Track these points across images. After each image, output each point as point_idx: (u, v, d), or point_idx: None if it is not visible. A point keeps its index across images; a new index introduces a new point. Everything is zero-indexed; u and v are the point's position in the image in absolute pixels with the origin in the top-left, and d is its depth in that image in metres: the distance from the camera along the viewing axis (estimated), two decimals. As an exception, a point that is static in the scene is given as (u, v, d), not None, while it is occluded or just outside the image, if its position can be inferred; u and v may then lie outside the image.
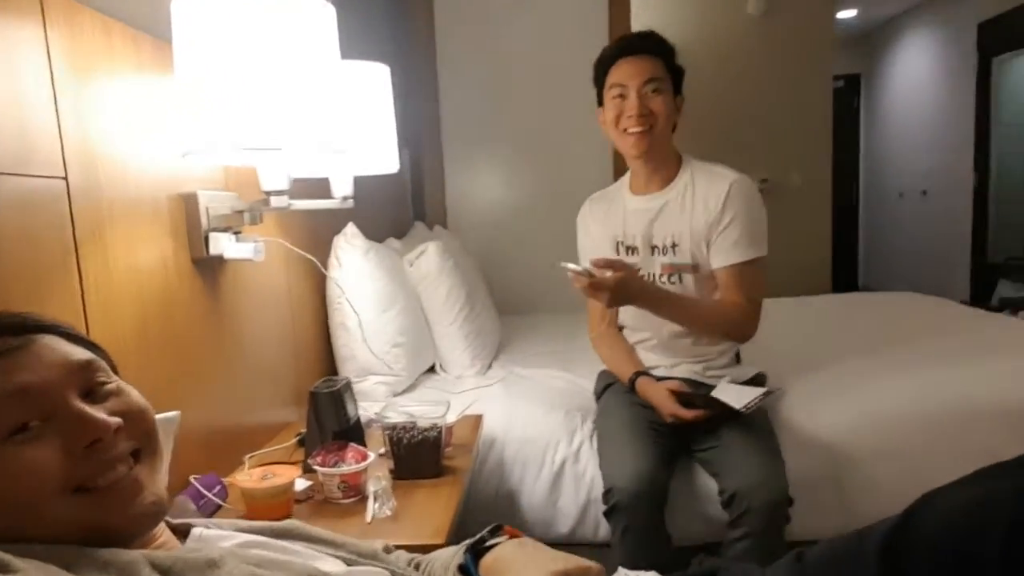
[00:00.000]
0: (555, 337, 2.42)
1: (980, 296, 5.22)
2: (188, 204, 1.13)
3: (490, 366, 2.11)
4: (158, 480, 0.60)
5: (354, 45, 2.57)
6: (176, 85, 0.94)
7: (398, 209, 2.92)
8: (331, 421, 1.23)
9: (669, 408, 1.45)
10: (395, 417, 1.27)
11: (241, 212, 1.14)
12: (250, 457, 1.33)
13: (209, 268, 1.21)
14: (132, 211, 1.02)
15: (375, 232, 2.33)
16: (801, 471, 1.47)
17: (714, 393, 1.47)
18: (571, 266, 1.39)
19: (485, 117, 3.17)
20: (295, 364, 1.64)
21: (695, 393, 1.44)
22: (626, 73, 1.52)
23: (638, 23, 4.92)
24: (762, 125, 5.17)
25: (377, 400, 1.78)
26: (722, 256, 1.54)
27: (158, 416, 0.79)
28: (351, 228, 1.78)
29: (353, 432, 1.27)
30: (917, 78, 6.21)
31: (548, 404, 1.73)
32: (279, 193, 1.05)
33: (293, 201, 1.35)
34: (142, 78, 1.05)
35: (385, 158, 1.43)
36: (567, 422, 1.66)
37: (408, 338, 1.84)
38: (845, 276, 7.07)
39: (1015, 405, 1.57)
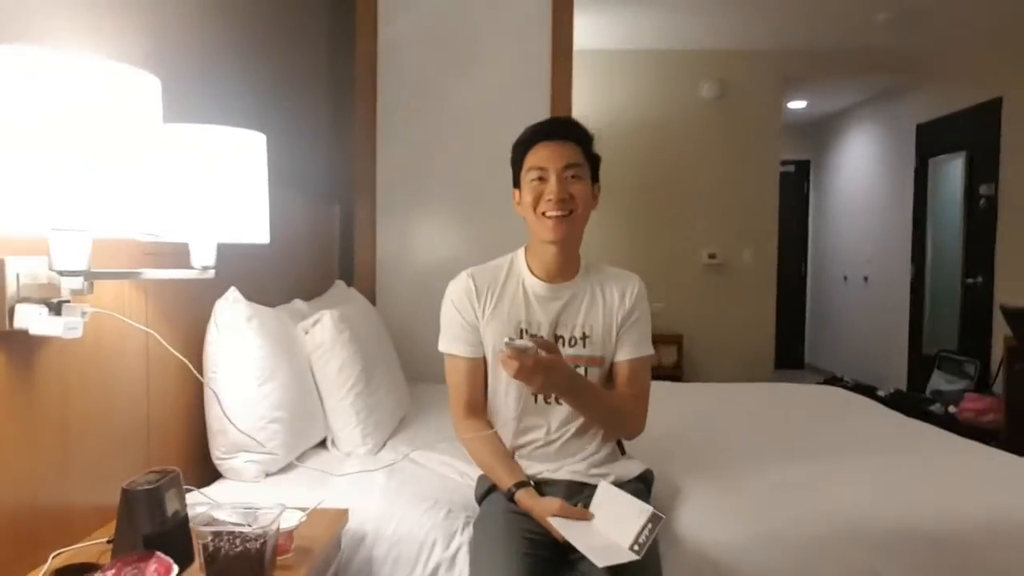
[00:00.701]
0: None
1: (917, 385, 5.26)
2: (-9, 270, 1.00)
3: (384, 445, 1.97)
4: None
5: (288, 99, 2.53)
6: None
7: (319, 265, 2.80)
8: (143, 523, 1.08)
9: (556, 536, 1.34)
10: (224, 516, 1.13)
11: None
12: (56, 555, 1.16)
13: (17, 342, 1.07)
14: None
15: (283, 290, 2.21)
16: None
17: (596, 496, 1.37)
18: (519, 343, 1.27)
19: (421, 179, 3.10)
20: (146, 439, 1.48)
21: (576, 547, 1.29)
22: (546, 157, 1.49)
23: (595, 102, 5.05)
24: (712, 203, 5.27)
25: (247, 480, 1.64)
26: (626, 350, 1.54)
27: None
28: (232, 292, 1.66)
29: (171, 536, 1.11)
30: (861, 169, 6.41)
31: (431, 499, 1.59)
32: (73, 274, 0.93)
33: (145, 271, 1.24)
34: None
35: (253, 228, 1.32)
36: (447, 523, 1.53)
37: (289, 413, 1.70)
38: (792, 354, 7.13)
39: (905, 527, 1.49)
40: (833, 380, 5.80)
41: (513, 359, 1.28)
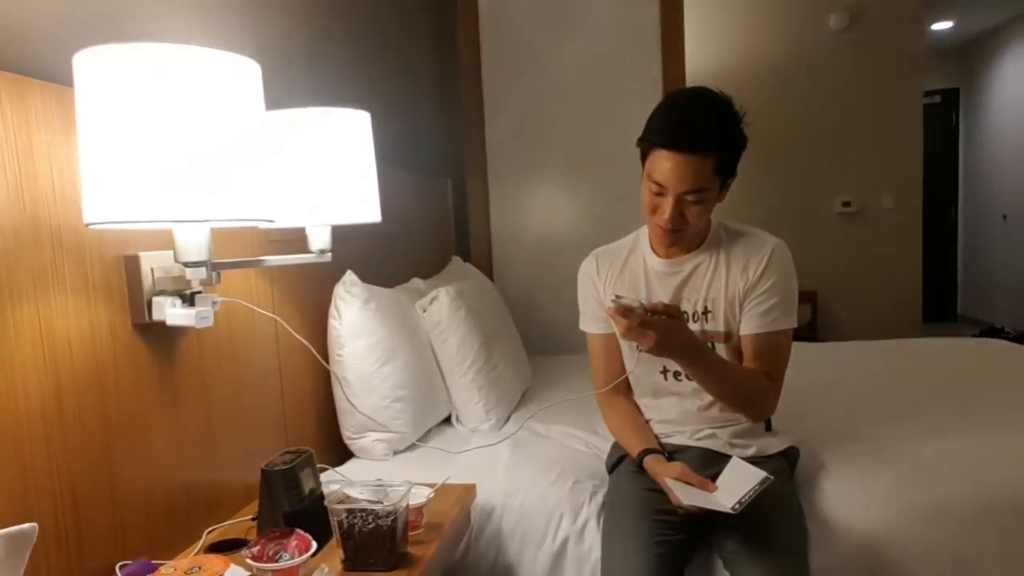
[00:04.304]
0: (590, 384, 2.25)
1: (1098, 334, 4.65)
2: (129, 266, 1.07)
3: (508, 419, 1.97)
4: None
5: (394, 77, 2.55)
6: (82, 147, 0.87)
7: (436, 242, 2.84)
8: (282, 502, 1.12)
9: (674, 500, 1.28)
10: (356, 494, 1.16)
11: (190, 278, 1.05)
12: (210, 531, 1.24)
13: (157, 332, 1.14)
14: (47, 276, 0.95)
15: (401, 269, 2.25)
16: (830, 571, 1.28)
17: (724, 472, 1.30)
18: (625, 300, 1.20)
19: (531, 148, 3.05)
20: (283, 421, 1.56)
21: (691, 492, 1.26)
22: (667, 174, 1.30)
23: (712, 47, 4.76)
24: (845, 145, 4.85)
25: (376, 459, 1.69)
26: (754, 323, 1.40)
27: (4, 531, 0.71)
28: (350, 276, 1.69)
29: (309, 512, 1.16)
30: (1022, 92, 5.65)
31: (558, 470, 1.58)
32: (197, 265, 0.96)
33: (266, 258, 1.28)
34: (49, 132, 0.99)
35: (365, 207, 1.33)
36: (573, 494, 1.50)
37: (412, 391, 1.73)
38: (943, 305, 6.52)
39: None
40: (992, 331, 5.25)
41: (620, 316, 1.20)
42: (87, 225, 0.90)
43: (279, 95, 1.62)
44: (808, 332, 4.69)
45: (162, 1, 1.26)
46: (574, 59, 2.97)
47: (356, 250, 1.87)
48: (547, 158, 3.04)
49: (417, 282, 2.20)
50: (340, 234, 1.56)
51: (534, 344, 2.74)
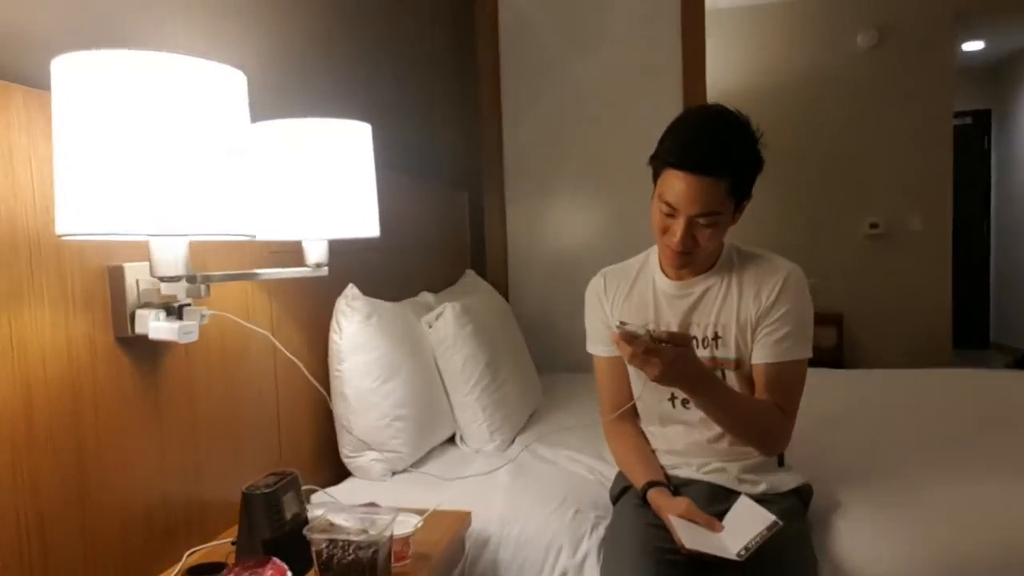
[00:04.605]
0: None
1: None
2: (112, 278, 1.03)
3: (513, 441, 1.91)
4: None
5: (413, 86, 2.52)
6: (56, 155, 0.84)
7: (450, 255, 2.79)
8: (263, 527, 1.07)
9: (677, 540, 1.20)
10: (342, 520, 1.11)
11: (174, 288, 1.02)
12: (190, 553, 1.20)
13: (140, 347, 1.10)
14: (22, 287, 0.92)
15: (412, 282, 2.21)
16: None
17: (731, 512, 1.23)
18: (630, 327, 1.16)
19: (549, 162, 3.01)
20: (277, 438, 1.51)
21: (696, 535, 1.19)
22: (679, 196, 1.24)
23: (736, 64, 4.69)
24: (873, 165, 4.74)
25: (374, 479, 1.64)
26: (766, 351, 1.33)
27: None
28: (351, 290, 1.65)
29: (291, 538, 1.10)
30: (1059, 115, 5.49)
31: (559, 498, 1.51)
32: (173, 279, 0.92)
33: (260, 271, 1.24)
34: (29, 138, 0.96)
35: (362, 222, 1.28)
36: (574, 524, 1.44)
37: (413, 411, 1.68)
38: (974, 331, 6.33)
39: None
40: (1026, 360, 5.08)
41: (625, 343, 1.15)
42: (60, 236, 0.86)
43: (283, 105, 1.59)
44: (834, 356, 4.57)
45: (157, 9, 1.23)
46: (594, 74, 2.92)
47: (365, 262, 1.83)
48: (565, 173, 3.00)
49: (426, 296, 2.16)
50: (348, 246, 1.52)
51: (549, 361, 2.68)
